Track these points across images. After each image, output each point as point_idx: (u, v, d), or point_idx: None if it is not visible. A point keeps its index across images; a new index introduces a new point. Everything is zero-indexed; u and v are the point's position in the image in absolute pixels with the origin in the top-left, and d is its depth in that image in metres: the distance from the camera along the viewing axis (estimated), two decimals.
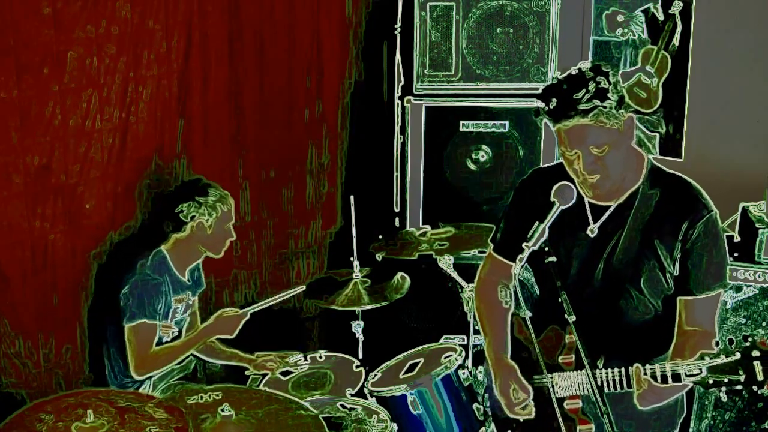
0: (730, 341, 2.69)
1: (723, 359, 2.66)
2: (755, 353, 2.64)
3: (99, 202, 4.17)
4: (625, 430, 2.94)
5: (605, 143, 2.80)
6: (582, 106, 2.75)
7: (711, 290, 2.93)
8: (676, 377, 2.73)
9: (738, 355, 2.65)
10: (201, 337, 4.09)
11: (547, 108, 2.83)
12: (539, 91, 2.90)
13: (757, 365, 2.63)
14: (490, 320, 3.18)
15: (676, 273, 2.93)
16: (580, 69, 2.83)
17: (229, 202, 4.09)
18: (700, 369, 2.69)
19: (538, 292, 3.24)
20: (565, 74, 2.84)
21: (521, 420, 3.08)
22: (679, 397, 3.10)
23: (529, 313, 2.89)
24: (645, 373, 2.76)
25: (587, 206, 2.97)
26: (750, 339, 2.65)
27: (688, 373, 2.71)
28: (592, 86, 2.76)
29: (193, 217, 4.01)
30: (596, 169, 2.84)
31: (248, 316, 4.12)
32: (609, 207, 2.96)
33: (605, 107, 2.75)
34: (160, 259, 4.06)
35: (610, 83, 2.78)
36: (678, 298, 2.96)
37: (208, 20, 4.49)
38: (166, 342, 4.10)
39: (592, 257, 2.98)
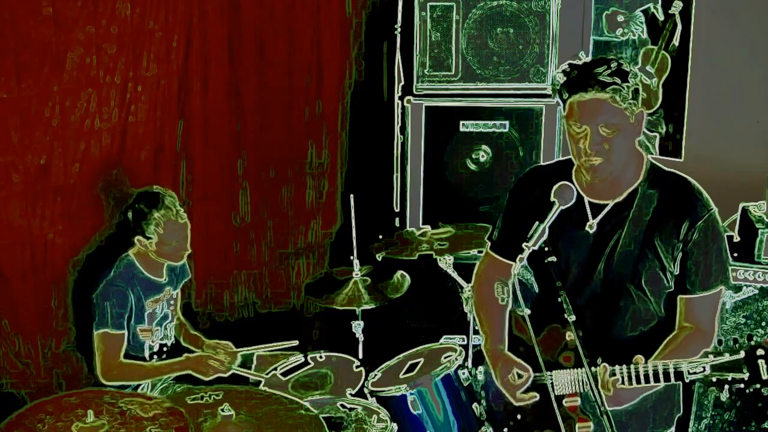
0: (734, 340, 2.71)
1: (727, 357, 2.67)
2: (760, 352, 2.65)
3: (98, 202, 4.17)
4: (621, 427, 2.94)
5: (616, 125, 2.80)
6: (602, 78, 2.77)
7: (711, 289, 2.94)
8: (679, 375, 2.74)
9: (742, 354, 2.67)
10: (176, 368, 4.01)
11: (565, 78, 2.84)
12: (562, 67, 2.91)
13: (762, 363, 2.65)
14: (487, 317, 3.18)
15: (677, 272, 2.93)
16: (606, 56, 2.92)
17: (168, 225, 3.92)
18: (703, 367, 2.70)
19: (535, 291, 3.23)
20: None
21: (518, 418, 3.09)
22: (676, 393, 3.11)
23: (527, 311, 2.89)
24: (647, 371, 2.77)
25: (586, 204, 2.98)
26: (754, 338, 2.67)
27: (691, 371, 2.72)
28: (614, 65, 2.80)
29: (136, 232, 3.96)
30: (601, 151, 2.82)
31: (231, 371, 4.02)
32: (607, 204, 2.97)
33: (623, 88, 2.78)
34: (127, 265, 4.01)
35: (630, 71, 2.82)
36: (678, 296, 2.97)
37: (208, 20, 4.49)
38: (151, 345, 4.09)
39: (592, 257, 2.98)
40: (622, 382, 2.80)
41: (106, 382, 3.92)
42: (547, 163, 3.23)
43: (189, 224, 4.03)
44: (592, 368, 2.81)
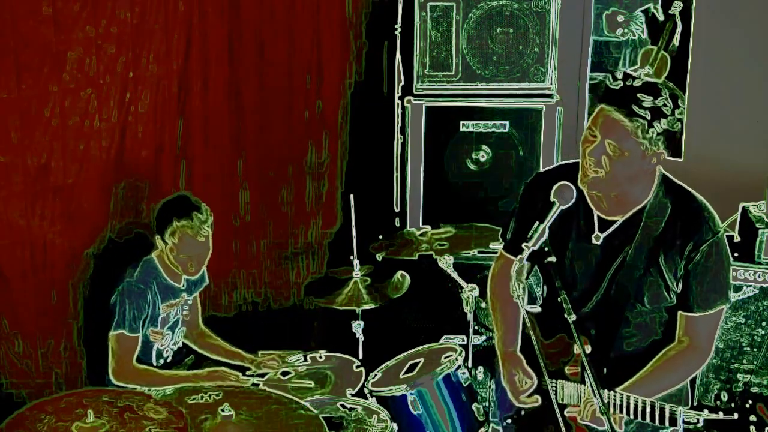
0: (731, 395, 2.76)
1: (720, 416, 2.73)
2: (752, 417, 2.71)
3: (98, 202, 4.17)
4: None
5: (624, 150, 2.78)
6: (635, 108, 2.72)
7: (711, 308, 2.95)
8: (673, 420, 2.76)
9: (735, 416, 2.71)
10: (187, 380, 3.97)
11: (610, 83, 2.78)
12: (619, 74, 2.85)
13: (753, 430, 2.70)
14: (502, 315, 3.19)
15: (679, 290, 2.94)
16: (666, 84, 2.80)
17: (184, 239, 3.95)
18: (698, 419, 2.74)
19: (540, 293, 3.24)
20: (650, 78, 2.81)
21: (522, 413, 3.10)
22: (685, 390, 3.11)
23: (536, 309, 2.89)
24: (645, 407, 2.78)
25: (595, 217, 2.97)
26: (749, 402, 2.71)
27: (686, 420, 2.75)
28: (659, 101, 2.73)
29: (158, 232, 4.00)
30: (599, 163, 2.81)
31: (246, 383, 4.03)
32: (616, 221, 2.96)
33: (652, 127, 2.73)
34: (149, 267, 4.04)
35: (671, 115, 2.75)
36: (678, 312, 2.98)
37: (208, 20, 4.49)
38: (159, 349, 4.11)
39: (598, 271, 2.98)
40: (621, 411, 2.83)
41: (116, 382, 3.94)
42: (561, 163, 3.21)
43: (210, 248, 4.04)
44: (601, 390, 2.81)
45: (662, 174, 2.95)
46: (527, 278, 2.88)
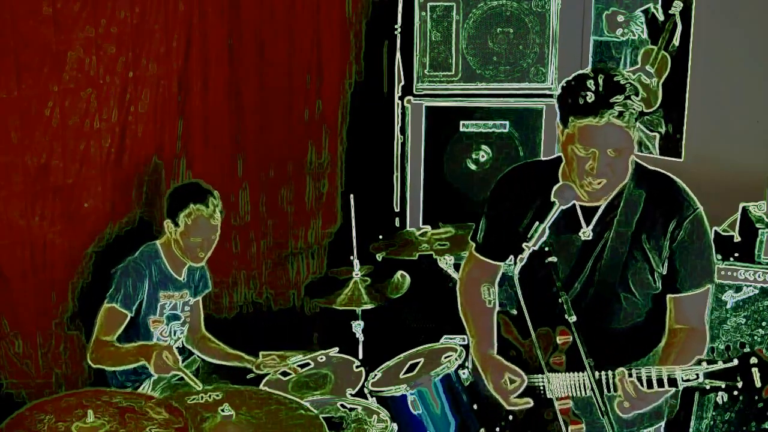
0: (727, 347, 2.71)
1: (720, 365, 2.69)
2: (753, 360, 2.67)
3: (97, 202, 4.18)
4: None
5: (624, 147, 2.77)
6: (618, 107, 2.70)
7: (700, 287, 2.93)
8: (672, 381, 2.74)
9: (735, 362, 2.68)
10: (135, 353, 3.85)
11: (582, 101, 2.73)
12: (562, 85, 2.82)
13: (755, 372, 2.66)
14: (475, 320, 3.16)
15: (664, 272, 2.93)
16: (610, 72, 2.77)
17: (198, 220, 3.98)
18: (697, 374, 2.71)
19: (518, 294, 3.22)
20: (594, 73, 2.76)
21: (510, 419, 3.09)
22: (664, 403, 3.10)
23: (514, 311, 2.89)
24: (641, 377, 2.76)
25: (579, 209, 2.94)
26: (747, 346, 2.69)
27: (684, 378, 2.72)
28: (629, 89, 2.72)
29: (169, 216, 4.03)
30: (605, 173, 2.80)
31: (178, 373, 3.83)
32: (598, 208, 2.93)
33: (634, 112, 2.72)
34: (152, 251, 4.07)
35: (639, 91, 2.76)
36: (667, 296, 2.96)
37: (208, 20, 4.49)
38: (161, 341, 4.09)
39: (580, 260, 2.96)
40: (615, 390, 2.80)
41: (91, 362, 3.92)
42: (530, 161, 3.20)
43: (219, 231, 4.07)
44: (598, 372, 2.80)
45: (635, 161, 2.92)
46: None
